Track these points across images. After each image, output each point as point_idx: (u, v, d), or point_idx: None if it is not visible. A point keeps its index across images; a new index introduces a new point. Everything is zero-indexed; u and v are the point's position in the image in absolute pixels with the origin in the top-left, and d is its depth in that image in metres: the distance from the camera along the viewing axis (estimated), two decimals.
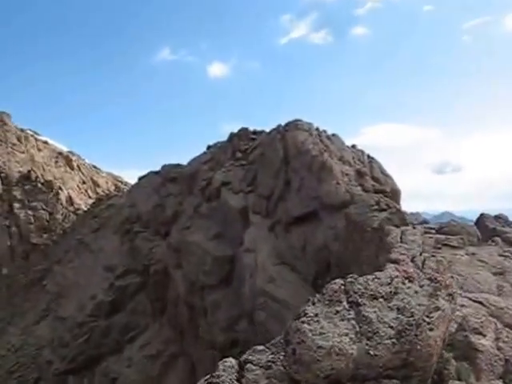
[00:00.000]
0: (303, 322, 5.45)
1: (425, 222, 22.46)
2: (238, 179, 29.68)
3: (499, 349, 6.56)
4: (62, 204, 50.15)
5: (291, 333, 5.46)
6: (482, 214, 17.92)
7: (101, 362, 30.37)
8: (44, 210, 48.15)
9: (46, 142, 60.56)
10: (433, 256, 9.70)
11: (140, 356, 29.33)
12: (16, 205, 46.60)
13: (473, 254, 12.86)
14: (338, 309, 5.66)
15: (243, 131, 34.79)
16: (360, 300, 5.72)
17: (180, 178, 36.29)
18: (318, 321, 5.46)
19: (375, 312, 5.55)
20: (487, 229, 16.02)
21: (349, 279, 6.04)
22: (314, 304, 5.77)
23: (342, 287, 5.92)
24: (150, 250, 33.27)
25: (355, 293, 5.83)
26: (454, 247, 13.39)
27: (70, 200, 51.55)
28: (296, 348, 5.30)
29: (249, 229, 26.71)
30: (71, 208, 50.76)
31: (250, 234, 26.34)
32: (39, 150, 57.15)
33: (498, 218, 17.74)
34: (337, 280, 6.08)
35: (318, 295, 5.91)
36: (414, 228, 15.17)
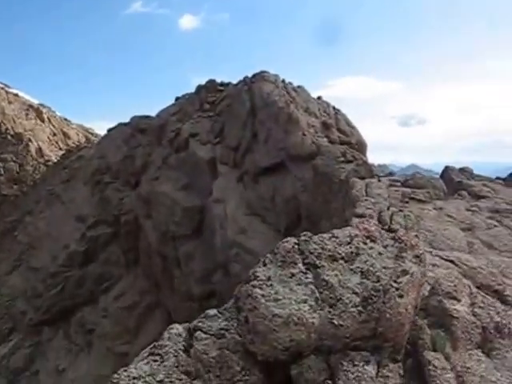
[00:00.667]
0: (254, 286, 4.81)
1: (391, 174, 22.57)
2: (206, 130, 29.35)
3: (475, 315, 6.02)
4: (32, 156, 49.76)
5: (242, 298, 4.88)
6: (446, 167, 17.59)
7: (76, 312, 30.26)
8: (14, 161, 47.82)
9: (16, 95, 59.30)
10: (400, 211, 9.33)
11: (115, 307, 29.35)
12: None
13: (440, 208, 12.54)
14: (294, 271, 5.01)
15: (210, 83, 34.40)
16: (318, 262, 5.07)
17: (149, 130, 35.66)
18: (271, 285, 4.83)
19: (336, 276, 4.96)
20: (452, 182, 15.87)
21: (302, 238, 5.37)
22: (265, 265, 5.07)
23: (296, 246, 5.25)
24: (120, 201, 32.93)
25: (311, 253, 5.15)
26: (420, 201, 13.09)
27: (40, 152, 51.04)
28: (248, 316, 4.72)
29: (217, 180, 26.56)
30: (41, 160, 50.24)
31: (219, 184, 26.20)
32: (10, 102, 56.14)
33: (463, 170, 17.47)
34: (289, 238, 5.40)
35: (269, 255, 5.21)
36: (379, 181, 14.95)
